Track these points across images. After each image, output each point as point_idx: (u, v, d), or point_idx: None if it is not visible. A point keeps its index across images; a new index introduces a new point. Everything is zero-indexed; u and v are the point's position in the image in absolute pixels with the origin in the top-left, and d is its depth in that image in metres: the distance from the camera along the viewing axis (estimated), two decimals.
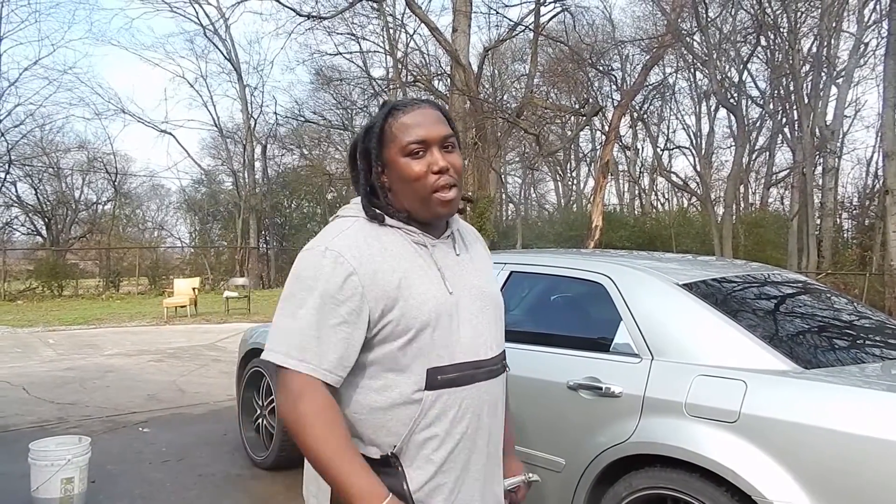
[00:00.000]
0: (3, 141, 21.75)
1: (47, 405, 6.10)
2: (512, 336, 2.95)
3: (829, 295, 3.03)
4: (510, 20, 17.37)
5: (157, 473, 4.26)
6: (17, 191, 25.67)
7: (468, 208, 15.87)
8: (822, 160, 18.56)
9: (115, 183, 27.60)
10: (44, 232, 26.70)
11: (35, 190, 26.21)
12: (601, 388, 2.43)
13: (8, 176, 23.86)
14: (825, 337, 2.62)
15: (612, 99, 19.51)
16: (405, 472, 1.32)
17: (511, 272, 3.07)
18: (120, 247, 25.39)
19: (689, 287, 2.54)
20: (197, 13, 25.25)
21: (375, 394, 1.33)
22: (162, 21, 40.79)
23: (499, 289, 1.55)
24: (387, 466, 1.32)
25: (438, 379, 1.33)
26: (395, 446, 1.32)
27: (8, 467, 4.11)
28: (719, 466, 2.09)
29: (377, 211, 1.39)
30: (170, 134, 27.72)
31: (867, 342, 2.66)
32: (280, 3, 15.75)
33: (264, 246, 26.65)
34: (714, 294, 2.56)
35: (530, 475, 1.59)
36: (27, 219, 27.12)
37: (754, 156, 26.93)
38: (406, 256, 1.36)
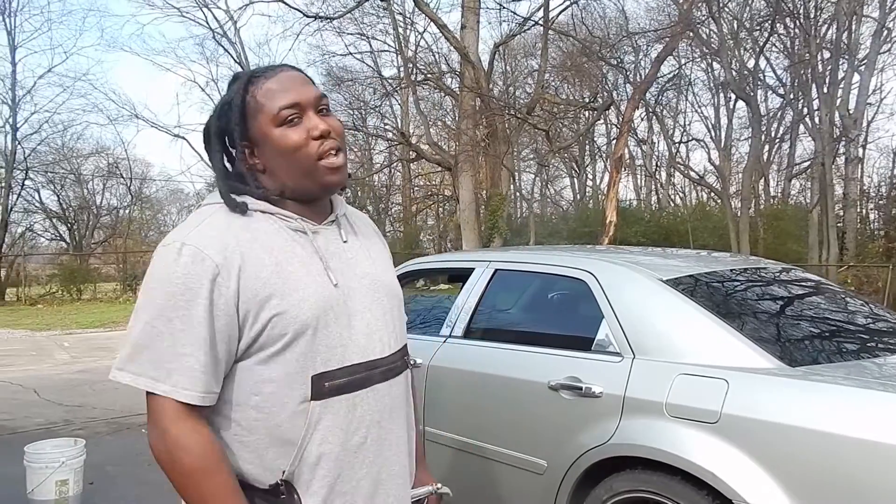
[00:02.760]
0: (20, 148, 22.04)
1: (56, 407, 6.16)
2: (496, 335, 2.93)
3: (825, 289, 2.93)
4: (519, 16, 17.20)
5: (155, 475, 4.20)
6: (40, 197, 26.08)
7: (459, 203, 15.84)
8: (844, 149, 18.21)
9: (131, 188, 27.92)
10: (66, 237, 27.11)
11: (58, 196, 26.62)
12: (581, 388, 2.37)
13: (30, 182, 24.24)
14: (815, 333, 2.53)
15: (626, 92, 19.30)
16: (300, 499, 1.15)
17: (495, 270, 3.01)
18: (136, 251, 25.66)
19: (672, 283, 2.46)
20: (206, 17, 25.27)
21: (254, 411, 1.14)
22: (172, 26, 41.40)
23: (396, 277, 1.37)
24: (277, 496, 1.15)
25: (326, 386, 1.15)
26: (283, 471, 1.14)
27: (11, 469, 4.13)
28: (699, 469, 2.01)
29: (238, 200, 1.18)
30: (182, 138, 27.84)
31: (860, 339, 2.56)
32: (287, 4, 15.77)
33: None
34: (699, 290, 2.48)
35: (439, 486, 1.45)
36: (51, 224, 27.54)
37: (775, 147, 26.53)
38: (280, 247, 1.17)
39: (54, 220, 27.29)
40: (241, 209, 1.18)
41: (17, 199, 23.16)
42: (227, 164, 1.25)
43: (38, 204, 26.09)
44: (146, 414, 1.13)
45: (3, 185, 21.75)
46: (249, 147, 1.21)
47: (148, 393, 1.11)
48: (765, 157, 25.26)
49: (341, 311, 1.19)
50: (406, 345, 1.35)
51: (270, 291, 1.13)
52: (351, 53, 21.76)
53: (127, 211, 29.12)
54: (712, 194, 26.08)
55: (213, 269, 1.11)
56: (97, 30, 45.99)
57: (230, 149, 1.24)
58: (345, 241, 1.27)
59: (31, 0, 27.50)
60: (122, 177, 27.73)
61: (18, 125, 21.80)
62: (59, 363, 8.87)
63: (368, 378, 1.21)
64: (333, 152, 1.20)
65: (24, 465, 3.57)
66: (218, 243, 1.13)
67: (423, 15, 16.40)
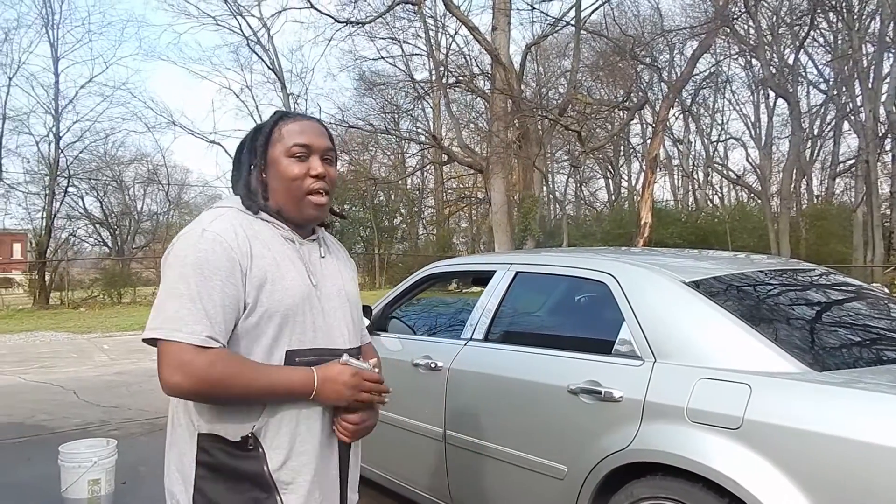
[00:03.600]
0: (63, 156, 22.61)
1: (93, 408, 6.29)
2: (516, 339, 2.89)
3: (861, 293, 2.83)
4: (551, 16, 17.09)
5: None
6: (83, 203, 26.79)
7: (491, 206, 15.74)
8: (890, 146, 17.66)
9: (169, 193, 28.46)
10: (109, 242, 27.78)
11: (100, 202, 27.28)
12: (601, 393, 2.32)
13: (73, 189, 24.88)
14: (844, 338, 2.43)
15: (661, 91, 19.01)
16: (265, 453, 1.40)
17: (516, 273, 2.98)
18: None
19: (695, 285, 2.40)
20: (240, 25, 25.78)
21: None
22: (208, 35, 42.22)
23: (358, 292, 1.67)
24: (245, 448, 1.39)
25: (296, 361, 1.43)
26: (254, 426, 1.39)
27: (48, 469, 4.23)
28: (720, 476, 1.95)
29: (252, 202, 1.48)
30: (218, 144, 28.37)
31: (893, 342, 2.46)
32: (318, 10, 15.93)
33: None
34: (723, 292, 2.41)
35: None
36: (94, 229, 28.28)
37: (818, 145, 25.87)
38: (276, 246, 1.46)
39: (97, 226, 28.02)
40: (253, 210, 1.47)
41: (60, 205, 23.80)
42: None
43: (81, 210, 26.84)
44: (160, 366, 1.33)
45: (48, 191, 22.36)
46: (264, 166, 1.50)
47: (161, 343, 1.33)
48: (807, 155, 24.66)
49: (316, 306, 1.48)
50: (360, 347, 1.64)
51: (268, 277, 1.41)
52: (383, 58, 21.92)
53: (166, 216, 29.71)
54: (752, 194, 25.56)
55: (229, 249, 1.38)
56: (135, 40, 47.41)
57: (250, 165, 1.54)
58: (322, 257, 1.57)
59: (72, 12, 28.31)
60: (161, 183, 28.31)
61: (61, 134, 22.41)
62: (99, 365, 9.07)
63: (325, 363, 1.48)
64: (321, 193, 1.49)
65: (58, 465, 3.65)
66: (232, 233, 1.40)
67: (454, 18, 16.41)
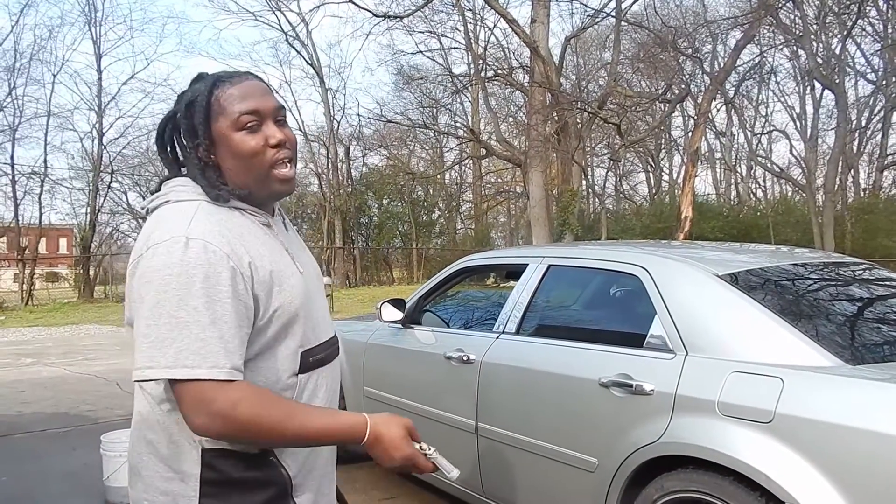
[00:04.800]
0: (106, 152, 23.18)
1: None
2: (548, 332, 2.90)
3: None
4: (591, 8, 16.92)
5: None
6: (127, 199, 27.44)
7: (530, 200, 15.66)
8: None
9: None
10: None
11: (143, 198, 27.84)
12: (632, 386, 2.31)
13: (117, 185, 25.50)
14: (882, 332, 2.38)
15: (703, 83, 18.68)
16: (281, 460, 1.25)
17: (549, 266, 2.98)
18: None
19: (728, 278, 2.37)
20: (279, 20, 26.03)
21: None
22: (247, 30, 42.79)
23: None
24: (265, 461, 1.23)
25: (311, 360, 1.29)
26: None
27: (91, 457, 4.37)
28: (751, 470, 1.94)
29: (220, 192, 1.24)
30: None
31: None
32: (356, 4, 16.02)
33: (350, 245, 27.25)
34: (756, 285, 2.38)
35: None
36: (137, 225, 28.95)
37: (865, 137, 25.12)
38: (263, 240, 1.26)
39: (140, 221, 28.68)
40: (224, 199, 1.24)
41: (103, 201, 24.42)
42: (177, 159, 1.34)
43: (125, 206, 27.48)
44: (181, 407, 1.14)
45: (91, 187, 22.95)
46: (209, 146, 1.26)
47: (178, 383, 1.12)
48: (853, 147, 23.97)
49: (312, 295, 1.32)
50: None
51: (274, 280, 1.22)
52: (421, 52, 21.97)
53: None
54: (796, 188, 24.96)
55: (226, 258, 1.15)
56: (176, 36, 48.35)
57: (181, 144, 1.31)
58: (287, 232, 1.38)
59: (114, 10, 29.00)
60: None
61: (104, 130, 22.99)
62: None
63: (332, 354, 1.38)
64: (286, 162, 1.27)
65: (100, 454, 3.77)
66: (219, 236, 1.17)
67: (493, 10, 16.36)
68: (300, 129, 28.04)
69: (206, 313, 1.12)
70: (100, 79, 22.91)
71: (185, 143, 1.28)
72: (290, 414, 1.17)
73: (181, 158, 1.31)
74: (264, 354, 1.23)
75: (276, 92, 1.30)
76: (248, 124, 1.23)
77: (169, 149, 1.33)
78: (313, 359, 1.29)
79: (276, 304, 1.21)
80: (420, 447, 1.27)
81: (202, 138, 1.25)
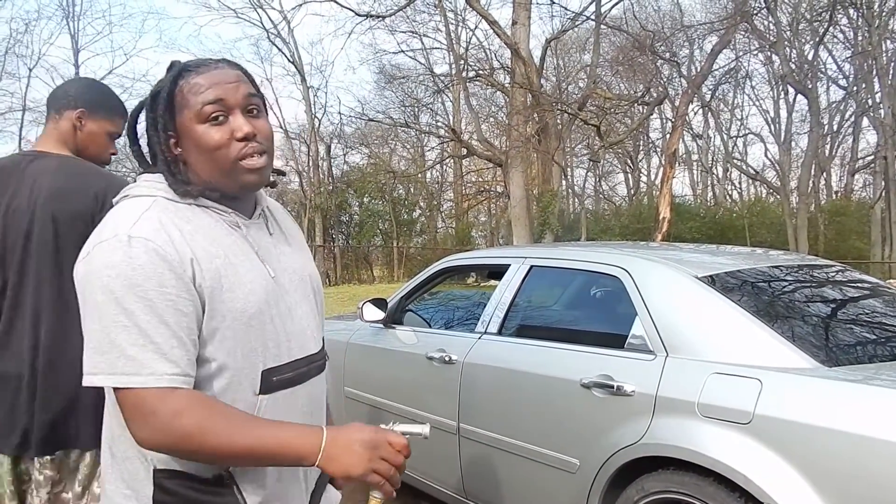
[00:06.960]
0: None
1: None
2: (529, 332, 2.92)
3: (876, 290, 2.81)
4: (570, 11, 17.03)
5: None
6: None
7: (510, 199, 15.73)
8: None
9: None
10: None
11: None
12: (613, 387, 2.34)
13: None
14: (858, 334, 2.43)
15: (681, 86, 18.87)
16: (240, 488, 1.14)
17: (531, 266, 3.00)
18: None
19: (707, 280, 2.41)
20: (261, 18, 25.89)
21: None
22: (228, 27, 42.40)
23: (316, 269, 1.37)
24: (221, 486, 1.13)
25: (274, 381, 1.16)
26: None
27: None
28: (730, 470, 1.97)
29: (189, 187, 1.17)
30: None
31: None
32: (339, 3, 15.97)
33: (331, 243, 27.13)
34: (735, 287, 2.42)
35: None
36: None
37: (837, 141, 25.57)
38: (222, 240, 1.16)
39: None
40: (193, 195, 1.17)
41: None
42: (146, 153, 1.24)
43: None
44: (125, 418, 1.08)
45: None
46: (174, 139, 1.18)
47: (119, 391, 1.06)
48: (826, 151, 24.38)
49: (283, 305, 1.20)
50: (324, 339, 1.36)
51: (223, 283, 1.12)
52: (403, 51, 21.98)
53: None
54: (771, 190, 25.34)
55: (168, 258, 1.08)
56: (156, 32, 47.80)
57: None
58: (271, 235, 1.27)
59: (93, 4, 28.64)
60: None
61: None
62: None
63: (307, 373, 1.24)
64: (256, 154, 1.17)
65: None
66: (165, 235, 1.10)
67: (474, 12, 16.39)
68: (281, 127, 27.87)
69: (144, 317, 1.05)
70: (77, 73, 22.61)
71: (151, 136, 1.19)
72: (243, 426, 1.07)
73: (151, 152, 1.22)
74: (212, 368, 1.12)
75: (254, 79, 1.25)
76: (213, 115, 1.15)
77: (141, 142, 1.24)
78: (278, 378, 1.17)
79: (220, 309, 1.11)
80: (380, 427, 1.17)
81: (166, 131, 1.17)
